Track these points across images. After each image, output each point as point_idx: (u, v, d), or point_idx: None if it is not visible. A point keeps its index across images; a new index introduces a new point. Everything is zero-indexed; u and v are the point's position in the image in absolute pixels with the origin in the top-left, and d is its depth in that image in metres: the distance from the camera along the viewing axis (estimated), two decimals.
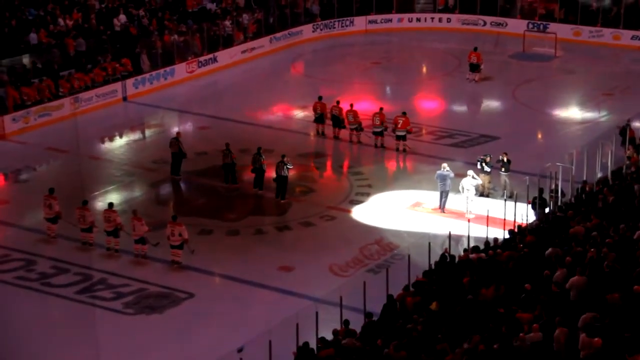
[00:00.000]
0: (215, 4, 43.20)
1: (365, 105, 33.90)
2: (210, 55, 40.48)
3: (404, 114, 31.62)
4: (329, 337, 18.23)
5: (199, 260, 24.47)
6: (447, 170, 26.96)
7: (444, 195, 27.01)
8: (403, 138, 31.39)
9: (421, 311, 18.47)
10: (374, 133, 31.88)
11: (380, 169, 31.02)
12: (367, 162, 31.49)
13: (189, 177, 29.84)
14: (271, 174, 28.28)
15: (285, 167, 27.78)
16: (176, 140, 29.65)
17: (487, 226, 23.61)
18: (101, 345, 20.73)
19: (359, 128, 32.28)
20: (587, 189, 24.89)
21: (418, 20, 46.71)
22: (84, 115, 34.87)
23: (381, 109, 32.21)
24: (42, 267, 24.38)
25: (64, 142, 32.46)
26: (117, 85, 36.71)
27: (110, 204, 25.73)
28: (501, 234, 23.28)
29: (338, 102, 32.87)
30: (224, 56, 41.01)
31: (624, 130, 28.94)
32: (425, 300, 19.00)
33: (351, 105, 32.56)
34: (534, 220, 24.19)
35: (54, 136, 33.03)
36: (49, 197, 25.87)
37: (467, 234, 23.50)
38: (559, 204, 24.70)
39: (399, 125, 31.32)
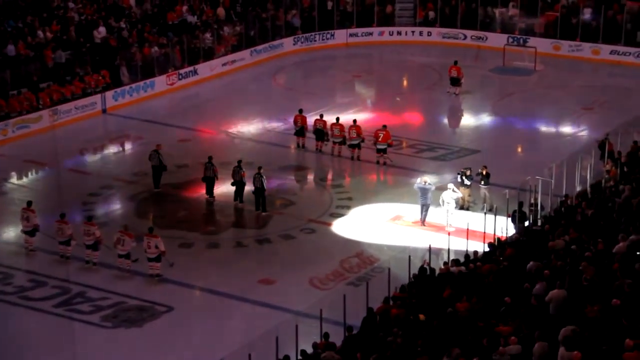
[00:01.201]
0: (195, 16, 43.09)
1: (346, 118, 33.69)
2: (191, 68, 40.42)
3: (385, 127, 31.63)
4: (309, 350, 18.15)
5: (178, 273, 24.37)
6: (428, 184, 26.98)
7: (424, 208, 26.99)
8: (384, 151, 31.39)
9: (404, 323, 18.44)
10: (350, 146, 31.85)
11: (360, 182, 31.01)
12: (347, 175, 31.55)
13: (169, 190, 29.72)
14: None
15: (261, 179, 27.74)
16: (156, 153, 29.51)
17: (467, 239, 23.65)
18: (79, 359, 20.66)
19: (343, 142, 32.21)
20: (567, 202, 24.88)
21: (399, 33, 46.72)
22: (63, 128, 34.74)
23: (354, 121, 32.16)
24: (20, 281, 24.23)
25: (43, 155, 32.28)
26: (97, 98, 36.59)
27: (90, 217, 25.59)
28: (481, 247, 23.29)
29: (321, 116, 32.84)
30: (205, 69, 40.97)
31: (603, 144, 29.06)
32: (408, 313, 18.97)
33: (337, 119, 32.53)
34: (514, 234, 24.17)
35: (32, 149, 32.89)
36: (26, 209, 25.73)
37: (447, 247, 23.50)
38: (539, 217, 24.72)
39: (380, 139, 31.32)
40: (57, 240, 25.16)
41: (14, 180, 31.21)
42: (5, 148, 33.13)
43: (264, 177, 27.87)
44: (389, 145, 31.46)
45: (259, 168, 28.03)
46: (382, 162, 31.45)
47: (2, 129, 33.59)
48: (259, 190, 27.87)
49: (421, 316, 18.58)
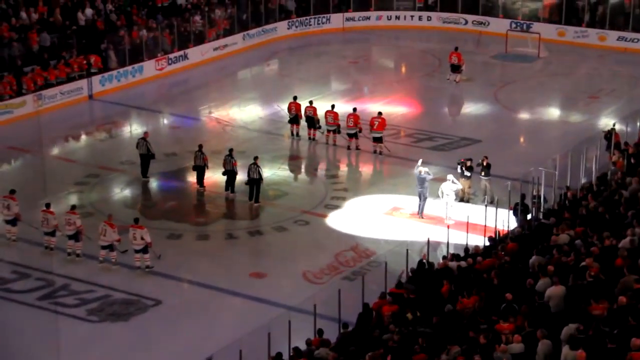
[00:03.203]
0: None
1: (341, 106, 33.45)
2: (181, 52, 40.15)
3: (380, 114, 31.27)
4: (303, 347, 17.95)
5: (166, 265, 24.13)
6: (425, 172, 26.60)
7: (422, 198, 26.64)
8: (379, 140, 31.01)
9: (398, 321, 18.23)
10: (348, 135, 31.43)
11: (356, 173, 30.92)
12: (343, 165, 31.31)
13: (157, 179, 29.44)
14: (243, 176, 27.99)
15: (257, 169, 27.42)
16: (144, 141, 29.22)
17: (467, 233, 23.43)
18: (63, 353, 20.36)
19: (338, 130, 31.79)
20: (569, 195, 24.61)
21: (397, 18, 46.56)
22: (48, 114, 34.49)
23: (354, 109, 31.74)
24: (2, 272, 23.88)
25: (27, 142, 31.97)
26: (83, 83, 36.24)
27: (73, 206, 25.15)
28: (481, 240, 23.08)
29: (311, 102, 32.50)
30: (195, 53, 40.66)
31: (610, 135, 28.75)
32: (402, 310, 18.79)
33: (332, 107, 32.17)
34: (516, 227, 23.93)
35: (16, 135, 32.48)
36: (7, 197, 25.38)
37: (446, 241, 23.26)
38: (542, 210, 24.45)
39: (375, 127, 30.88)
40: (42, 230, 24.76)
41: None
42: None
43: (260, 167, 27.56)
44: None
45: (255, 158, 27.75)
46: (378, 151, 31.00)
47: None
48: (255, 181, 27.53)
49: (409, 315, 18.43)
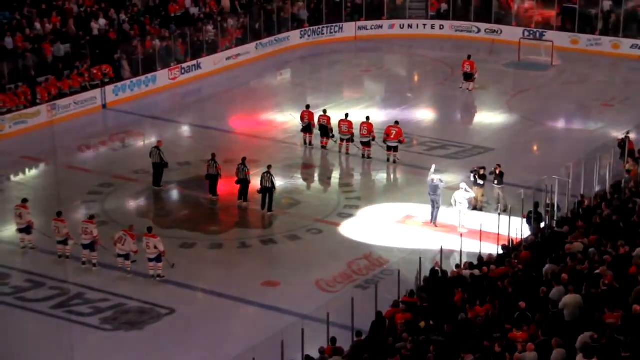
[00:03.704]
0: (198, 8, 42.52)
1: (354, 114, 33.29)
2: (194, 62, 40.11)
3: (397, 123, 31.23)
4: (315, 355, 17.94)
5: (180, 274, 24.06)
6: (437, 180, 26.52)
7: (435, 206, 26.55)
8: (395, 149, 30.93)
9: (411, 329, 18.16)
10: (362, 143, 31.37)
11: (369, 181, 30.73)
12: (356, 173, 31.12)
13: (170, 188, 29.42)
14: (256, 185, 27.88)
15: (271, 177, 27.34)
16: (157, 150, 29.18)
17: (480, 241, 23.32)
18: None
19: (352, 139, 31.73)
20: (583, 203, 24.49)
21: (410, 27, 46.43)
22: (62, 123, 34.46)
23: (367, 117, 31.73)
24: (16, 281, 23.91)
25: (41, 151, 32.00)
26: (96, 92, 36.27)
27: (91, 216, 25.18)
28: (495, 249, 22.97)
29: (325, 111, 32.43)
30: (208, 63, 40.62)
31: (623, 143, 28.57)
32: (415, 318, 18.73)
33: (346, 115, 32.12)
34: (529, 236, 23.76)
35: (30, 145, 32.58)
36: (19, 206, 25.45)
37: (459, 249, 23.14)
38: (555, 218, 24.29)
39: (392, 136, 30.82)
40: (55, 239, 24.76)
41: (11, 177, 30.84)
42: (2, 144, 32.82)
43: (274, 176, 27.47)
44: (401, 143, 30.83)
45: (269, 167, 27.66)
46: (392, 159, 30.98)
47: None
48: (268, 190, 27.44)
49: (421, 323, 18.38)
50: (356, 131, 31.57)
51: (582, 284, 18.15)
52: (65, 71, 35.86)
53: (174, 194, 29.36)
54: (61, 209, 25.25)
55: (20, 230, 25.25)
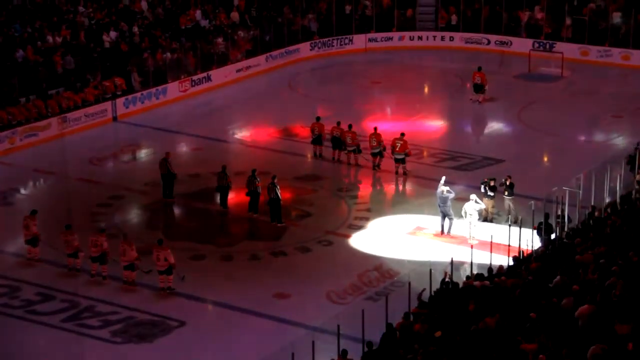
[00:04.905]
0: (208, 20, 42.60)
1: (364, 126, 33.40)
2: (204, 74, 40.15)
3: (402, 135, 31.14)
4: None
5: (190, 286, 24.02)
6: (447, 192, 26.48)
7: (446, 217, 26.54)
8: (402, 161, 30.88)
9: (426, 339, 18.10)
10: (372, 154, 31.34)
11: (379, 193, 30.72)
12: (366, 185, 31.14)
13: (180, 200, 29.40)
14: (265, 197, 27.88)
15: (275, 189, 27.30)
16: (165, 161, 29.18)
17: (491, 252, 23.24)
18: None
19: (357, 150, 31.65)
20: (595, 214, 24.44)
21: (419, 38, 46.46)
22: (73, 136, 34.56)
23: (375, 128, 31.76)
24: (27, 294, 23.87)
25: (52, 164, 32.06)
26: (107, 105, 36.34)
27: (102, 229, 25.23)
28: (505, 260, 22.89)
29: (339, 123, 32.45)
30: (219, 75, 40.70)
31: (633, 159, 28.43)
32: (430, 329, 18.67)
33: (349, 127, 32.08)
34: (540, 247, 23.78)
35: (41, 157, 32.70)
36: (27, 217, 25.50)
37: (470, 261, 23.05)
38: (566, 229, 24.24)
39: (397, 149, 30.75)
40: (65, 252, 24.78)
41: (22, 190, 30.92)
42: (13, 156, 32.93)
43: (278, 187, 27.37)
44: (407, 155, 30.75)
45: (273, 178, 27.63)
46: (400, 171, 30.90)
47: (10, 137, 33.31)
48: (274, 201, 27.41)
49: (437, 333, 18.29)
50: (365, 143, 31.55)
51: (593, 295, 18.08)
52: (77, 84, 35.93)
53: (184, 205, 29.30)
54: (71, 221, 25.28)
55: (26, 242, 25.30)
